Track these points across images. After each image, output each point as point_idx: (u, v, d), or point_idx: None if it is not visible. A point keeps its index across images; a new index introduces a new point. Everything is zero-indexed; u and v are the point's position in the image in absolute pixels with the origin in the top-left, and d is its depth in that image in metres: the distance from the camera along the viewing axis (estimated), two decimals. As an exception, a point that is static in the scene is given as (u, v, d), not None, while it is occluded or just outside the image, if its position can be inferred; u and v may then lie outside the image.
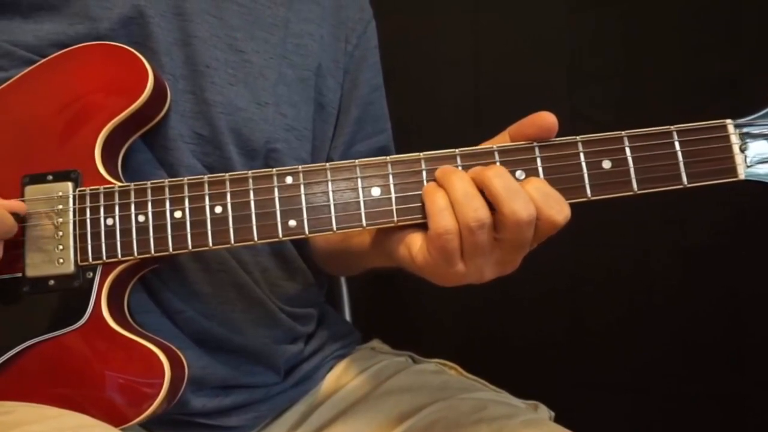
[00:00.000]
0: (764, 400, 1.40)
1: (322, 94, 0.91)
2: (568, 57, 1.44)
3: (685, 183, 0.66)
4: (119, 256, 0.70)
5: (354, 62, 0.95)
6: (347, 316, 1.14)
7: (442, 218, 0.63)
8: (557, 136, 0.67)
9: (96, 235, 0.71)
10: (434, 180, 0.67)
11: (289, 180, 0.69)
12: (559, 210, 0.63)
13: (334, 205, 0.68)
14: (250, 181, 0.70)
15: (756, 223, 1.36)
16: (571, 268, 1.42)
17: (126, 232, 0.71)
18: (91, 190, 0.72)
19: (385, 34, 1.03)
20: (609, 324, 1.45)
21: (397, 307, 1.53)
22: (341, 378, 0.93)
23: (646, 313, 1.45)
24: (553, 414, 0.89)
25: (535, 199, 0.63)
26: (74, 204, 0.72)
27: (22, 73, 0.77)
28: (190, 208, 0.70)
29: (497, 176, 0.63)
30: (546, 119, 0.66)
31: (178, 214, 0.70)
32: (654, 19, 1.41)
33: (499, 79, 1.45)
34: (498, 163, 0.66)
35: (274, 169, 0.70)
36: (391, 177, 0.68)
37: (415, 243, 0.67)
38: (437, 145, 0.68)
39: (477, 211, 0.63)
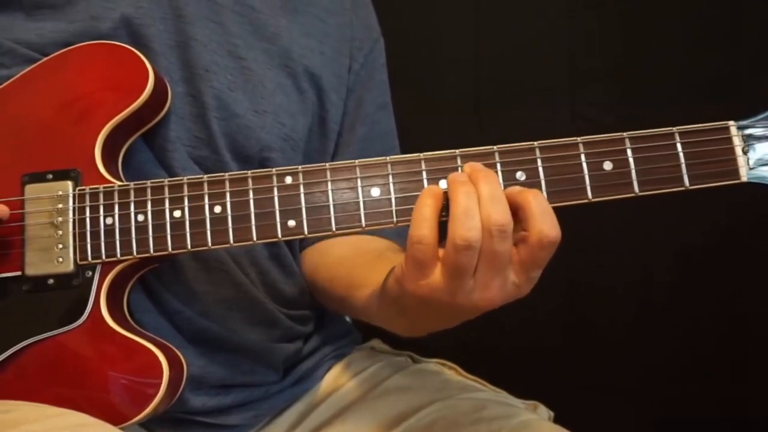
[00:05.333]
0: (765, 402, 1.40)
1: (325, 109, 0.90)
2: (568, 57, 1.44)
3: (687, 185, 0.65)
4: (118, 255, 0.70)
5: (360, 81, 0.94)
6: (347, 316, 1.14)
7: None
8: (557, 137, 0.67)
9: (95, 234, 0.71)
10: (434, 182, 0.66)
11: (288, 180, 0.69)
12: (552, 225, 0.60)
13: (334, 205, 0.68)
14: (250, 181, 0.69)
15: (757, 225, 1.36)
16: (572, 268, 1.42)
17: (125, 232, 0.70)
18: (90, 189, 0.72)
19: (386, 33, 1.02)
20: (609, 324, 1.45)
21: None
22: (340, 377, 0.93)
23: (647, 314, 1.45)
24: (552, 414, 0.89)
25: (532, 212, 0.60)
26: (74, 203, 0.72)
27: (24, 71, 0.77)
28: (189, 208, 0.70)
29: (486, 183, 0.62)
30: None
31: (177, 214, 0.70)
32: (654, 19, 1.41)
33: (500, 79, 1.45)
34: (498, 164, 0.66)
35: (274, 169, 0.69)
36: (390, 177, 0.68)
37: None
38: (437, 146, 0.68)
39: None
